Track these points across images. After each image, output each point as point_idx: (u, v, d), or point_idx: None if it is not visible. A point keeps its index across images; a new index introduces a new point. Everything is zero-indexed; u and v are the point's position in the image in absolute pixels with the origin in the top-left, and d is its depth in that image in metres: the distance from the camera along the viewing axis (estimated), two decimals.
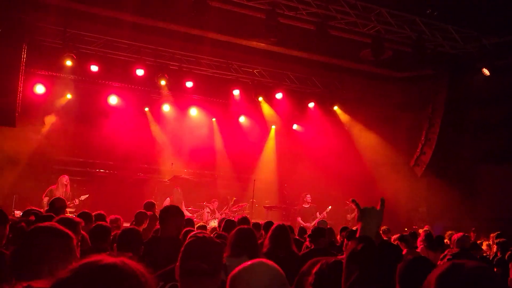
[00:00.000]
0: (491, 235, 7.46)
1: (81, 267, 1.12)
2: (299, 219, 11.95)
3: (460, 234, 6.34)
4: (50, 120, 12.63)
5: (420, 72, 12.00)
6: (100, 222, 4.45)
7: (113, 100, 13.67)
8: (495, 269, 6.17)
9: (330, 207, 12.02)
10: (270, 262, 1.66)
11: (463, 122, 11.71)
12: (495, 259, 6.50)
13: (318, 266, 2.07)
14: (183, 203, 11.44)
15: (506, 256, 6.23)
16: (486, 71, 10.62)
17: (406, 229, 11.04)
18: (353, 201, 2.14)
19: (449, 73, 11.26)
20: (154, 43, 12.28)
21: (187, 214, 10.60)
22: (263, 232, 6.64)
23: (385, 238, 7.03)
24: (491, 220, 12.41)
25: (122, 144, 13.21)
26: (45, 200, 9.24)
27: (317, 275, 2.03)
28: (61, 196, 8.24)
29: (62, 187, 9.91)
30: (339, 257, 2.20)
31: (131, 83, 13.32)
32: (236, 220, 6.73)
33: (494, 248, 7.22)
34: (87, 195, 10.29)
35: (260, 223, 7.08)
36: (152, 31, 11.42)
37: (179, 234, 3.92)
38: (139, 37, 11.97)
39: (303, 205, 12.23)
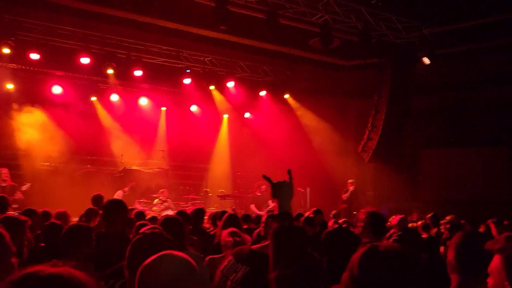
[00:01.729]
0: (427, 216, 7.92)
1: (21, 279, 1.05)
2: (253, 206, 12.09)
3: (399, 216, 6.68)
4: None
5: (367, 60, 12.39)
6: (53, 221, 4.29)
7: (56, 89, 13.10)
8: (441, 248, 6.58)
9: None
10: (179, 253, 1.63)
11: (406, 109, 12.26)
12: (441, 239, 6.92)
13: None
14: (136, 200, 11.19)
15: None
16: (426, 60, 11.14)
17: (354, 212, 11.48)
18: (264, 176, 2.10)
19: (392, 62, 11.70)
20: (100, 30, 11.82)
21: (138, 207, 10.44)
22: (218, 222, 6.68)
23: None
24: (432, 201, 13.18)
25: (68, 135, 12.73)
26: None
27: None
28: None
29: (0, 181, 9.41)
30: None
31: (76, 72, 12.79)
32: (189, 211, 6.71)
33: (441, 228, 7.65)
34: (29, 184, 9.82)
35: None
36: (97, 17, 10.98)
37: (124, 229, 3.84)
38: (83, 24, 11.46)
39: (256, 193, 12.38)
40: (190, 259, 1.62)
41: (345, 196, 12.78)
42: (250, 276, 2.41)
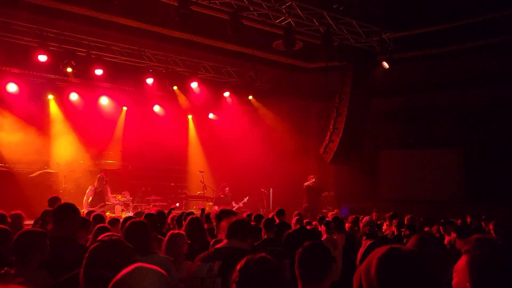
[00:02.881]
0: (387, 215, 8.15)
1: None
2: (216, 207, 12.05)
3: (367, 217, 6.82)
4: None
5: (329, 63, 12.61)
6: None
7: (12, 87, 12.57)
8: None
9: (247, 197, 12.29)
10: (150, 265, 1.58)
11: (366, 111, 12.56)
12: (392, 237, 7.16)
13: (243, 262, 1.96)
14: (109, 193, 10.79)
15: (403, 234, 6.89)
16: (385, 64, 11.49)
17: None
18: None
19: (353, 65, 11.97)
20: (58, 27, 11.43)
21: (113, 201, 10.23)
22: (184, 223, 6.64)
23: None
24: (389, 201, 13.61)
25: (24, 135, 12.24)
26: None
27: (241, 272, 1.92)
28: None
29: None
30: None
31: (33, 69, 12.32)
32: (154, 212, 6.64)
33: (393, 228, 7.91)
34: None
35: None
36: (55, 14, 10.60)
37: (74, 233, 3.74)
38: (40, 20, 11.05)
39: (220, 195, 12.37)
40: (161, 270, 1.58)
41: (305, 184, 12.99)
42: (224, 266, 2.83)
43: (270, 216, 7.64)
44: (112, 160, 14.10)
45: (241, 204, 12.04)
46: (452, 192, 13.75)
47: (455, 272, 1.75)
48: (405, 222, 7.06)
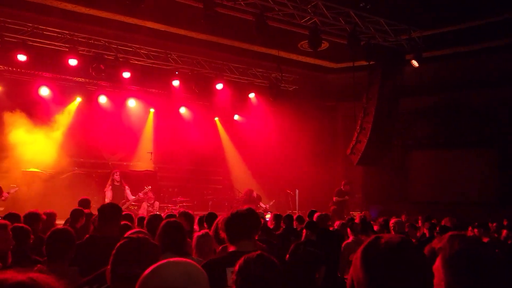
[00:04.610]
0: (419, 217, 7.94)
1: None
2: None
3: (395, 219, 6.68)
4: None
5: (355, 63, 12.42)
6: (19, 224, 4.20)
7: (44, 91, 12.96)
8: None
9: (273, 201, 12.26)
10: (181, 260, 1.49)
11: (394, 111, 12.29)
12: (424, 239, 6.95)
13: (242, 262, 1.93)
14: (126, 190, 10.98)
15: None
16: (415, 63, 11.22)
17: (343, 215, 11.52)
18: None
19: (381, 64, 11.73)
20: (87, 32, 11.73)
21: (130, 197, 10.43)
22: (205, 224, 6.64)
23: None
24: (420, 203, 13.26)
25: (55, 138, 12.58)
26: None
27: (241, 272, 1.89)
28: None
29: None
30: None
31: (63, 73, 12.68)
32: (177, 213, 6.64)
33: (424, 230, 7.70)
34: (16, 188, 9.76)
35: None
36: (85, 19, 10.89)
37: (122, 234, 3.77)
38: (70, 26, 11.36)
39: (247, 196, 12.36)
40: (198, 266, 1.49)
41: (335, 198, 12.74)
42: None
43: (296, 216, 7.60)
44: (139, 161, 14.31)
45: (267, 206, 11.99)
46: (485, 194, 13.29)
47: (434, 272, 1.70)
48: (442, 223, 6.85)
